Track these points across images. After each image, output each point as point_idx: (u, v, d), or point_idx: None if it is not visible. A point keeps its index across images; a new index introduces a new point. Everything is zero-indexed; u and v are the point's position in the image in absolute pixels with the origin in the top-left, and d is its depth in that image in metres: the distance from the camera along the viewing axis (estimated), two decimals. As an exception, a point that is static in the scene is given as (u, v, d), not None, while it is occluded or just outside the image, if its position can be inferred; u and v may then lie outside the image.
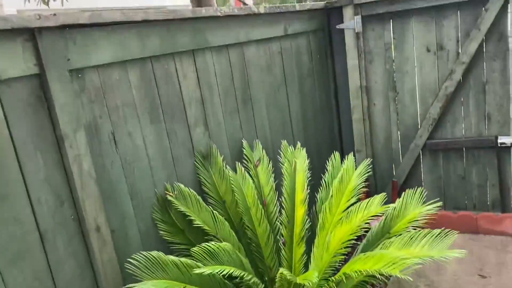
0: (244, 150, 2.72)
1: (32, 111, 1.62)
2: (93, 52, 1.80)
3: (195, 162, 2.40)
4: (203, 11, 2.31)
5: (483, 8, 3.11)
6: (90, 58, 1.79)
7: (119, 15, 1.84)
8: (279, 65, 3.16)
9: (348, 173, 2.50)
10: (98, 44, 1.81)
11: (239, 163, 2.59)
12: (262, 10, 2.83)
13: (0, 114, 1.52)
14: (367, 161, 2.67)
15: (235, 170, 2.57)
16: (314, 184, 2.80)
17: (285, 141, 2.98)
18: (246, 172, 2.55)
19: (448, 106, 3.37)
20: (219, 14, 2.42)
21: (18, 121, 1.58)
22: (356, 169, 2.63)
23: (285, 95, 3.24)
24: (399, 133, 3.62)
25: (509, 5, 3.06)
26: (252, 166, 2.70)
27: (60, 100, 1.66)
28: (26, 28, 1.53)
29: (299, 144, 2.98)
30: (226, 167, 2.49)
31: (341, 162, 2.81)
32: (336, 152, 2.93)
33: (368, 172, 2.59)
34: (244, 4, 14.14)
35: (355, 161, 2.73)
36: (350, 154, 2.74)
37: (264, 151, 2.81)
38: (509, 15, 3.08)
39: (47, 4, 3.32)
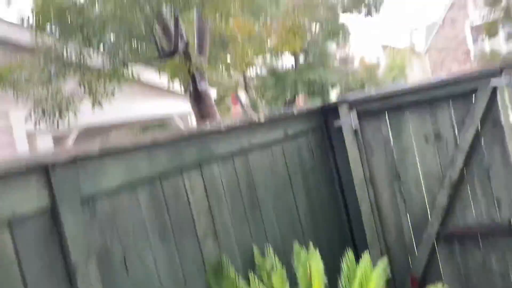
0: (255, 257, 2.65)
1: (43, 245, 1.61)
2: (104, 178, 1.84)
3: (206, 278, 2.32)
4: (208, 127, 2.41)
5: (473, 97, 3.25)
6: (101, 185, 1.82)
7: (129, 142, 1.91)
8: (282, 166, 3.21)
9: (366, 275, 2.42)
10: (108, 170, 1.86)
11: (252, 271, 2.51)
12: (262, 118, 2.94)
13: (11, 253, 1.50)
14: (384, 260, 2.59)
15: (247, 278, 2.49)
16: (330, 285, 2.68)
17: (297, 241, 2.92)
18: (259, 281, 2.46)
19: (455, 193, 3.36)
20: (222, 128, 2.52)
21: (30, 257, 1.56)
22: (373, 267, 2.55)
23: (291, 194, 3.25)
24: (410, 223, 3.56)
25: (497, 91, 3.19)
26: (265, 274, 2.61)
27: (72, 232, 1.66)
28: (40, 165, 1.58)
29: (311, 244, 2.92)
30: (238, 278, 2.41)
31: (355, 259, 2.73)
32: (349, 250, 2.85)
33: (386, 271, 2.51)
34: (241, 104, 14.81)
35: (369, 254, 2.65)
36: (365, 253, 2.67)
37: (275, 255, 2.74)
38: (499, 102, 3.20)
39: (57, 125, 3.51)
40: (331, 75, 12.77)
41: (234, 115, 16.27)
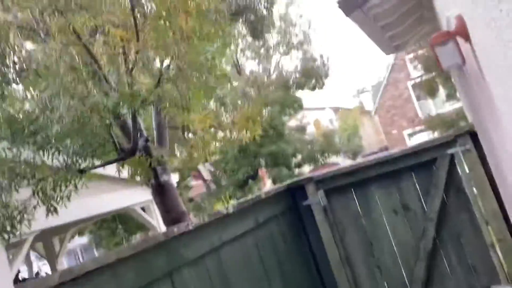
0: None
1: None
2: (64, 311, 1.65)
3: None
4: (175, 230, 2.28)
5: (433, 167, 3.32)
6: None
7: (91, 263, 1.75)
8: (256, 256, 3.07)
9: None
10: (70, 301, 1.67)
11: None
12: (231, 210, 2.85)
13: None
14: None
15: None
16: None
17: None
18: None
19: (432, 263, 3.32)
20: (190, 228, 2.40)
21: None
22: None
23: (267, 285, 3.08)
24: (392, 300, 3.45)
25: (455, 161, 3.28)
26: None
27: None
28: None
29: None
30: None
31: None
32: None
33: None
34: (203, 179, 14.66)
35: None
36: None
37: None
38: (458, 169, 3.28)
39: (8, 239, 3.25)
40: (291, 145, 13.01)
41: (195, 190, 16.03)
